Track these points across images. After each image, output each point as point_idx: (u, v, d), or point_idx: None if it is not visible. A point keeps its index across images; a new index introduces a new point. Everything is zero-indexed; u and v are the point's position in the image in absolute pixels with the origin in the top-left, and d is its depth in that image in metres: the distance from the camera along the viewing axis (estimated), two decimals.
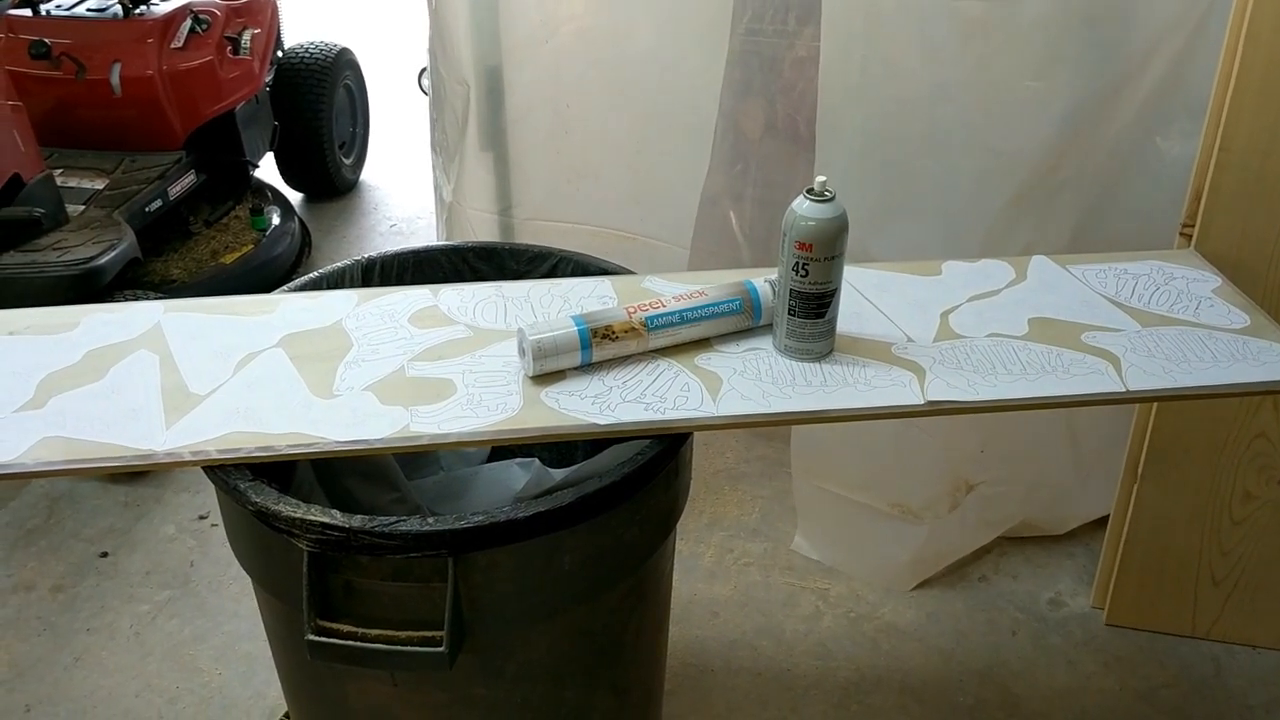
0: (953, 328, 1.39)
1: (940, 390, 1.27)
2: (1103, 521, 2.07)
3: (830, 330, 1.33)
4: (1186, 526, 1.90)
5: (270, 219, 3.21)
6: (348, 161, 3.85)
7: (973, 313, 1.43)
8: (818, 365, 1.32)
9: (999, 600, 2.11)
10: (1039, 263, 1.55)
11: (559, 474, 1.57)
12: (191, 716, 1.89)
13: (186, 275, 2.91)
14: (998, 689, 1.92)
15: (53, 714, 1.89)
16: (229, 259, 3.01)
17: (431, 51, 2.28)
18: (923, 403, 1.26)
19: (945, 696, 1.91)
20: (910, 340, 1.37)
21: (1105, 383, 1.29)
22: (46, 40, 2.82)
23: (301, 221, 3.45)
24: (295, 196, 3.75)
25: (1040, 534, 2.22)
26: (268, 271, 3.07)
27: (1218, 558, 1.92)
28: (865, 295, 1.46)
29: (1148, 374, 1.30)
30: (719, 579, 2.16)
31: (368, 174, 4.03)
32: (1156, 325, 1.40)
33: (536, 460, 1.62)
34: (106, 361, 1.32)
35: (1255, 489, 1.84)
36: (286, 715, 1.83)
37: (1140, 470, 1.88)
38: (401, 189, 3.94)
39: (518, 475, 1.63)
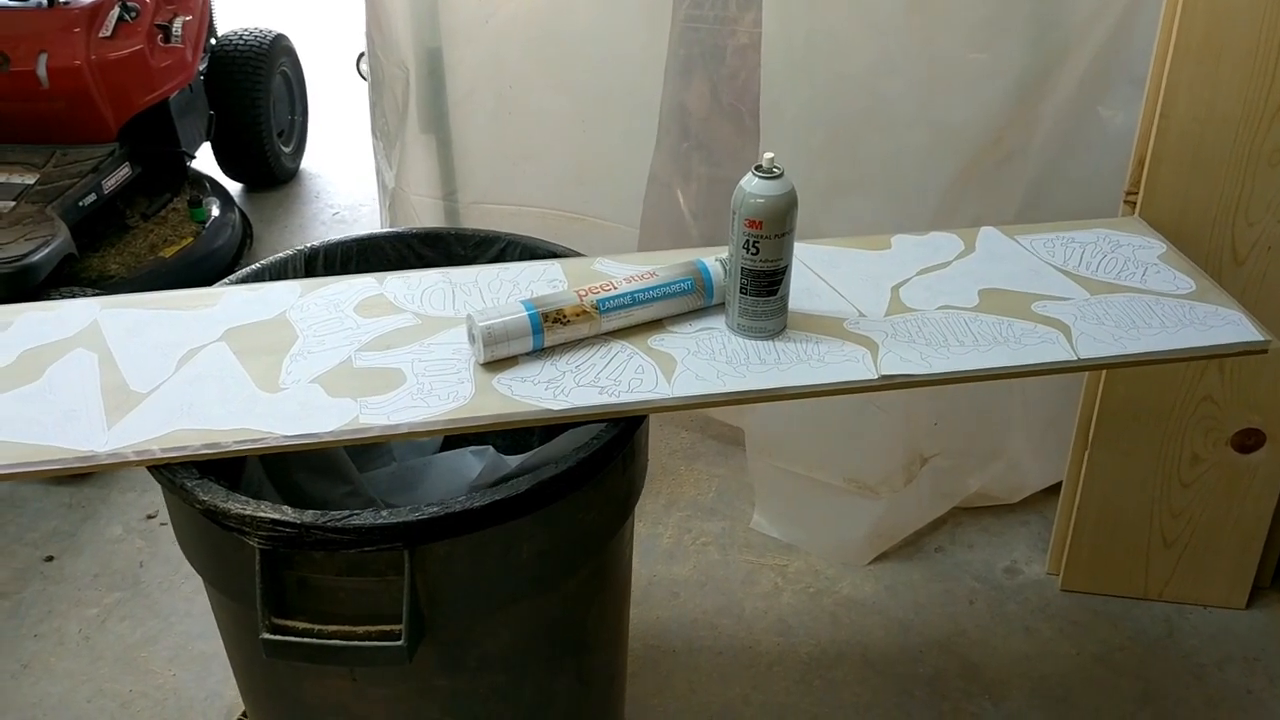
0: (904, 301, 1.39)
1: (893, 364, 1.27)
2: (1056, 489, 2.10)
3: (783, 308, 1.32)
4: (1137, 490, 1.92)
5: (209, 210, 3.15)
6: (287, 150, 3.78)
7: (923, 286, 1.43)
8: (771, 343, 1.31)
9: (956, 570, 2.13)
10: (987, 234, 1.55)
11: (514, 460, 1.55)
12: (148, 719, 1.86)
13: (125, 270, 2.84)
14: (957, 658, 1.94)
15: None
16: (168, 253, 2.95)
17: (369, 35, 2.24)
18: (876, 377, 1.25)
19: (905, 667, 1.92)
20: (862, 315, 1.36)
21: (1056, 352, 1.29)
22: None
23: (242, 212, 3.39)
24: (234, 187, 3.68)
25: (995, 503, 2.24)
26: (209, 264, 3.00)
27: (1168, 520, 1.94)
28: (816, 271, 1.45)
29: (1097, 341, 1.31)
30: (678, 559, 2.16)
31: (308, 162, 3.96)
32: (1104, 293, 1.41)
33: (491, 448, 1.61)
34: (43, 361, 1.28)
35: (1203, 451, 1.87)
36: (244, 715, 1.81)
37: (1091, 437, 1.90)
38: (343, 176, 3.88)
39: (472, 464, 1.61)
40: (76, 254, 2.56)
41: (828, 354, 1.29)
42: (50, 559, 2.19)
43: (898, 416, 2.01)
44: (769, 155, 1.25)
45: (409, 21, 2.09)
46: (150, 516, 2.29)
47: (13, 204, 2.62)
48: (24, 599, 2.09)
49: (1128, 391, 1.84)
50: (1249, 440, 1.84)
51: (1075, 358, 1.29)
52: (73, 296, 2.26)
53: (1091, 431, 1.89)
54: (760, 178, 1.25)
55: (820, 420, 2.03)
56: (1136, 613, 2.02)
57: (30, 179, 2.73)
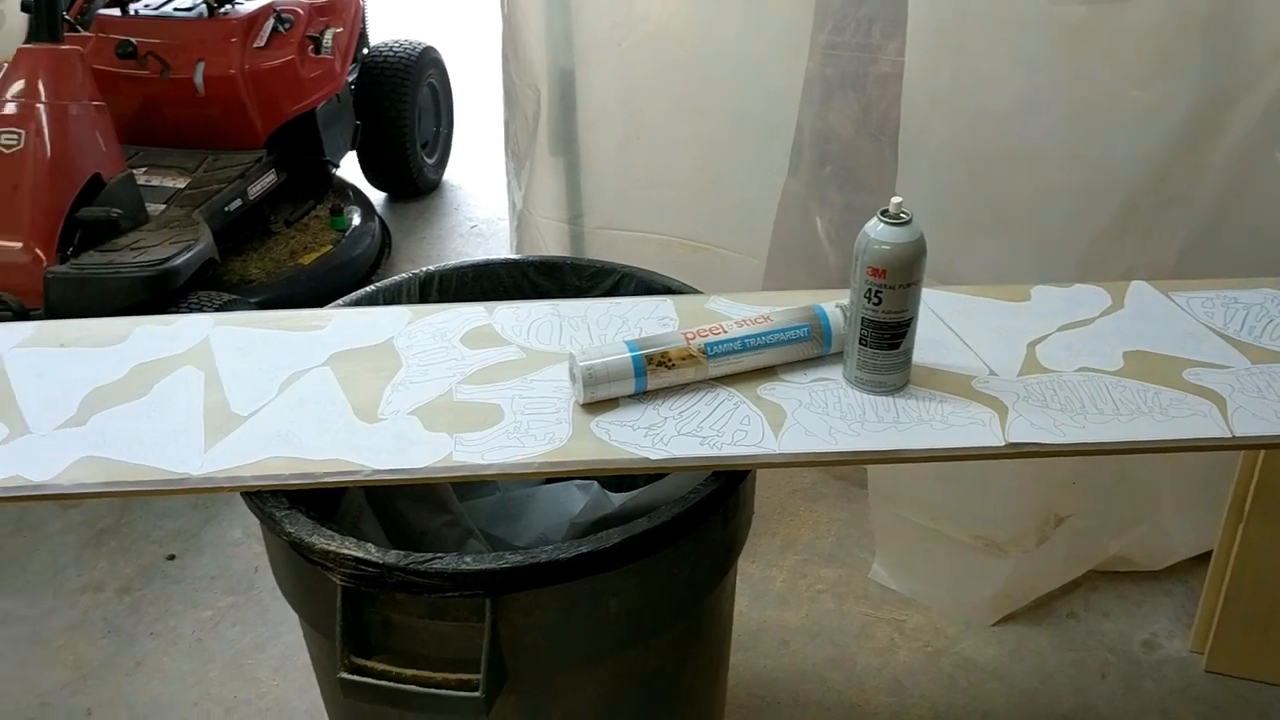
0: (1040, 360, 1.29)
1: (1023, 431, 1.17)
2: (1205, 558, 1.94)
3: (905, 362, 1.23)
4: None
5: (350, 219, 3.21)
6: (430, 161, 3.83)
7: (1063, 344, 1.32)
8: (891, 399, 1.22)
9: (1088, 639, 1.98)
10: (1138, 289, 1.43)
11: (619, 499, 1.51)
12: None
13: (265, 275, 2.91)
14: None
15: (113, 718, 1.89)
16: (308, 259, 3.01)
17: (504, 54, 2.23)
18: (1003, 444, 1.16)
19: None
20: (993, 373, 1.26)
21: (1208, 427, 1.17)
22: (133, 40, 2.84)
23: (382, 222, 3.44)
24: (377, 196, 3.75)
25: (1135, 570, 2.08)
26: (347, 272, 3.06)
27: None
28: (946, 322, 1.36)
29: (1257, 418, 1.18)
30: (790, 605, 2.07)
31: (450, 174, 4.01)
32: (1268, 362, 1.28)
33: (596, 483, 1.56)
34: (152, 377, 1.29)
35: None
36: None
37: (1246, 510, 1.74)
38: (484, 190, 3.91)
39: (576, 498, 1.56)
40: (218, 259, 2.62)
41: (952, 415, 1.20)
42: (172, 558, 2.24)
43: (1032, 473, 1.88)
44: (897, 200, 1.17)
45: (543, 42, 2.07)
46: None
47: (163, 207, 2.71)
48: (145, 596, 2.14)
49: None
50: None
51: (1229, 435, 1.17)
52: (210, 300, 2.34)
53: (1247, 505, 1.73)
54: (886, 223, 1.17)
55: (949, 471, 1.92)
56: None
57: (181, 183, 2.83)
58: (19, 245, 2.35)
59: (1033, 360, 1.29)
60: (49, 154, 2.38)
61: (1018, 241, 1.74)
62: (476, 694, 1.08)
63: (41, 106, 2.41)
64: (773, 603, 2.08)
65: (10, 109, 2.40)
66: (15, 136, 2.36)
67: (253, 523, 2.29)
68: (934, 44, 1.68)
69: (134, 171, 2.67)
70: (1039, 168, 1.69)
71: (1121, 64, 1.61)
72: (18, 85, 2.44)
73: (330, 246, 3.08)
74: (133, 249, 2.42)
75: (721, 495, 1.16)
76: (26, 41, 2.56)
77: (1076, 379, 1.25)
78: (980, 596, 2.00)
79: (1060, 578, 2.05)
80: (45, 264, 2.33)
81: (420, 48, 3.62)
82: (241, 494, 1.17)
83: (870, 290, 1.18)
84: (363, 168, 3.69)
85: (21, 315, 2.24)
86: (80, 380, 1.28)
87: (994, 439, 1.16)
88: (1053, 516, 1.95)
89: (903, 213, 1.17)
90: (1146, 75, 1.61)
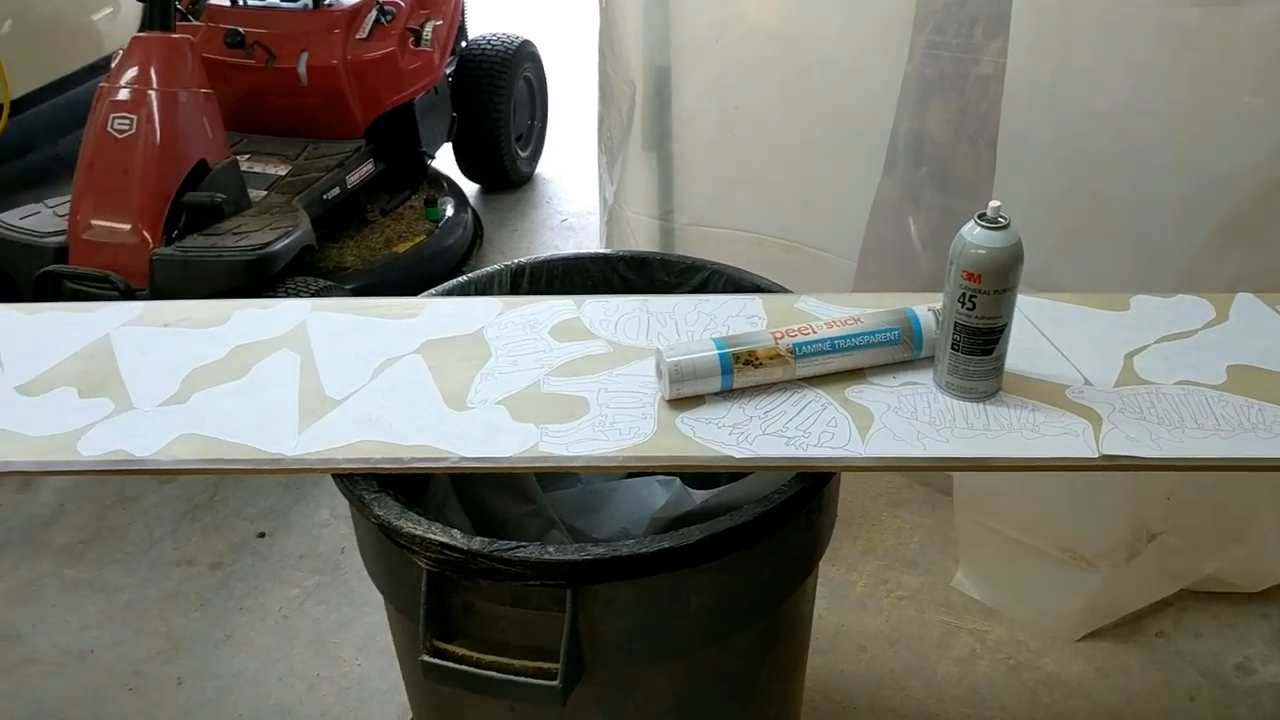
0: (1137, 372, 1.25)
1: (1118, 443, 1.14)
2: None
3: (998, 368, 1.21)
4: None
5: (444, 210, 3.25)
6: (524, 154, 3.87)
7: (1162, 355, 1.28)
8: (982, 406, 1.20)
9: (1178, 660, 1.93)
10: (1244, 301, 1.39)
11: (700, 495, 1.51)
12: (330, 705, 1.91)
13: (359, 263, 2.97)
14: None
15: (201, 689, 1.95)
16: (401, 248, 3.06)
17: (601, 50, 2.24)
18: (1096, 456, 1.13)
19: None
20: (1088, 383, 1.24)
21: None
22: (241, 30, 2.91)
23: (475, 213, 3.48)
24: (471, 188, 3.79)
25: (1231, 590, 2.02)
26: (439, 262, 3.10)
27: None
28: (1040, 329, 1.33)
29: None
30: (870, 611, 2.05)
31: (543, 167, 4.04)
32: None
33: (678, 480, 1.56)
34: (250, 359, 1.33)
35: None
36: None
37: None
38: (575, 184, 3.94)
39: (658, 493, 1.56)
40: (315, 245, 2.68)
41: (1044, 424, 1.17)
42: (262, 535, 2.30)
43: (1125, 486, 1.84)
44: (995, 204, 1.15)
45: (640, 38, 2.08)
46: None
47: (264, 193, 2.78)
48: (235, 571, 2.20)
49: None
50: None
51: None
52: (307, 285, 2.39)
53: None
54: (983, 227, 1.15)
55: (1038, 481, 1.89)
56: None
57: (282, 170, 2.89)
58: (128, 227, 2.43)
59: (1130, 371, 1.26)
60: (159, 139, 2.45)
61: (1118, 249, 1.70)
62: (554, 683, 1.09)
63: (153, 93, 2.48)
64: (852, 607, 2.06)
65: (124, 95, 2.48)
66: (128, 122, 2.44)
67: (340, 504, 2.35)
68: (1038, 45, 1.64)
69: (238, 158, 2.74)
70: (1144, 174, 1.65)
71: (1234, 68, 1.56)
72: (131, 72, 2.51)
73: (424, 236, 3.13)
74: (234, 233, 2.48)
75: (805, 496, 1.16)
76: (140, 30, 2.64)
77: (1176, 392, 1.22)
78: (1066, 611, 1.96)
79: (1150, 595, 1.99)
80: (151, 246, 2.41)
81: (517, 41, 3.66)
82: (333, 476, 1.19)
83: (964, 295, 1.16)
84: (457, 159, 3.73)
85: (128, 295, 2.31)
86: (182, 359, 1.32)
87: (1087, 450, 1.14)
88: (1145, 532, 1.90)
89: (1000, 217, 1.15)
90: (1260, 80, 1.56)
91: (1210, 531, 1.94)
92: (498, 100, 3.54)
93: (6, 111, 3.48)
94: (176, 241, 2.44)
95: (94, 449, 1.17)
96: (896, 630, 2.01)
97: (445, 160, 3.66)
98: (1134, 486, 1.84)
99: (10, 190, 3.57)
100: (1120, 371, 1.26)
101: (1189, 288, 1.43)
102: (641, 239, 2.25)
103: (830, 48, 1.93)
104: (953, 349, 1.20)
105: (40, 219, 2.53)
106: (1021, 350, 1.27)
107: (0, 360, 1.34)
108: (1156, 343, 1.31)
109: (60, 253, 2.42)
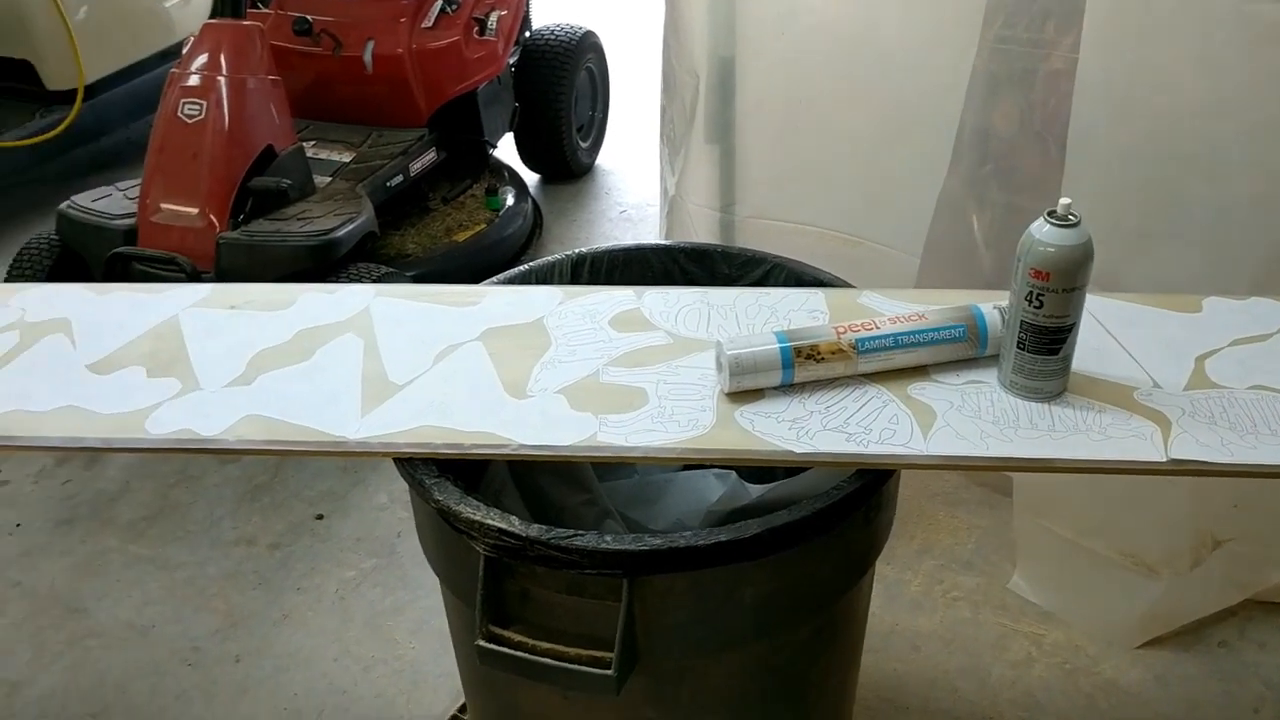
0: (1209, 375, 1.23)
1: (1187, 448, 1.12)
2: None
3: (1065, 368, 1.19)
4: None
5: (505, 199, 3.27)
6: (585, 145, 3.87)
7: (1235, 359, 1.25)
8: (1047, 406, 1.19)
9: (1241, 671, 1.89)
10: None
11: (756, 490, 1.50)
12: (384, 687, 1.93)
13: (420, 251, 2.99)
14: None
15: (259, 667, 1.98)
16: (461, 237, 3.08)
17: (665, 40, 2.24)
18: (1165, 460, 1.11)
19: None
20: (1157, 386, 1.21)
21: None
22: (309, 17, 2.95)
23: (535, 203, 3.50)
24: (531, 177, 3.81)
25: None
26: (498, 251, 3.12)
27: None
28: (1109, 330, 1.31)
29: None
30: (924, 611, 2.04)
31: (603, 158, 4.04)
32: None
33: (734, 473, 1.56)
34: (315, 342, 1.34)
35: None
36: (464, 706, 1.85)
37: None
38: (635, 175, 3.93)
39: (713, 486, 1.56)
40: (378, 232, 2.71)
41: (1111, 426, 1.15)
42: (320, 517, 2.33)
43: (1190, 492, 1.80)
44: (1065, 201, 1.13)
45: (705, 29, 2.07)
46: None
47: (329, 179, 2.81)
48: (294, 552, 2.23)
49: None
50: None
51: None
52: (369, 272, 2.41)
53: None
54: (1053, 224, 1.13)
55: (1100, 485, 1.85)
56: None
57: (347, 157, 2.92)
58: (195, 211, 2.47)
59: (1201, 374, 1.23)
60: (227, 125, 2.49)
61: (1190, 250, 1.66)
62: (609, 672, 1.09)
63: (222, 79, 2.52)
64: (906, 606, 2.04)
65: (194, 81, 2.52)
66: (198, 107, 2.48)
67: (397, 489, 2.37)
68: (1112, 41, 1.61)
69: (303, 145, 2.77)
70: (1218, 173, 1.61)
71: None
72: (201, 58, 2.55)
73: (484, 225, 3.14)
74: (299, 219, 2.51)
75: (865, 493, 1.15)
76: (211, 17, 2.68)
77: (1249, 397, 1.19)
78: (1126, 617, 1.92)
79: (1214, 604, 1.95)
80: (218, 229, 2.45)
81: (580, 32, 3.66)
82: (394, 460, 1.20)
83: (1032, 293, 1.14)
84: (519, 149, 3.75)
85: (193, 277, 2.35)
86: (248, 341, 1.35)
87: (1155, 454, 1.11)
88: (1210, 539, 1.86)
89: (1071, 214, 1.13)
90: None
91: (1277, 541, 1.90)
92: (560, 90, 3.55)
93: (81, 96, 3.55)
94: (242, 226, 2.48)
95: (162, 428, 1.19)
96: (951, 631, 1.99)
97: (506, 150, 3.67)
98: (1199, 492, 1.80)
99: (83, 173, 3.65)
100: (1190, 374, 1.23)
101: (1264, 291, 1.40)
102: (702, 231, 2.24)
103: (897, 41, 1.91)
104: (1018, 348, 1.18)
105: (111, 202, 2.58)
106: (1088, 351, 1.25)
107: (73, 338, 1.37)
108: (1229, 346, 1.28)
109: (130, 235, 2.47)
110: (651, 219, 3.62)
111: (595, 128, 3.97)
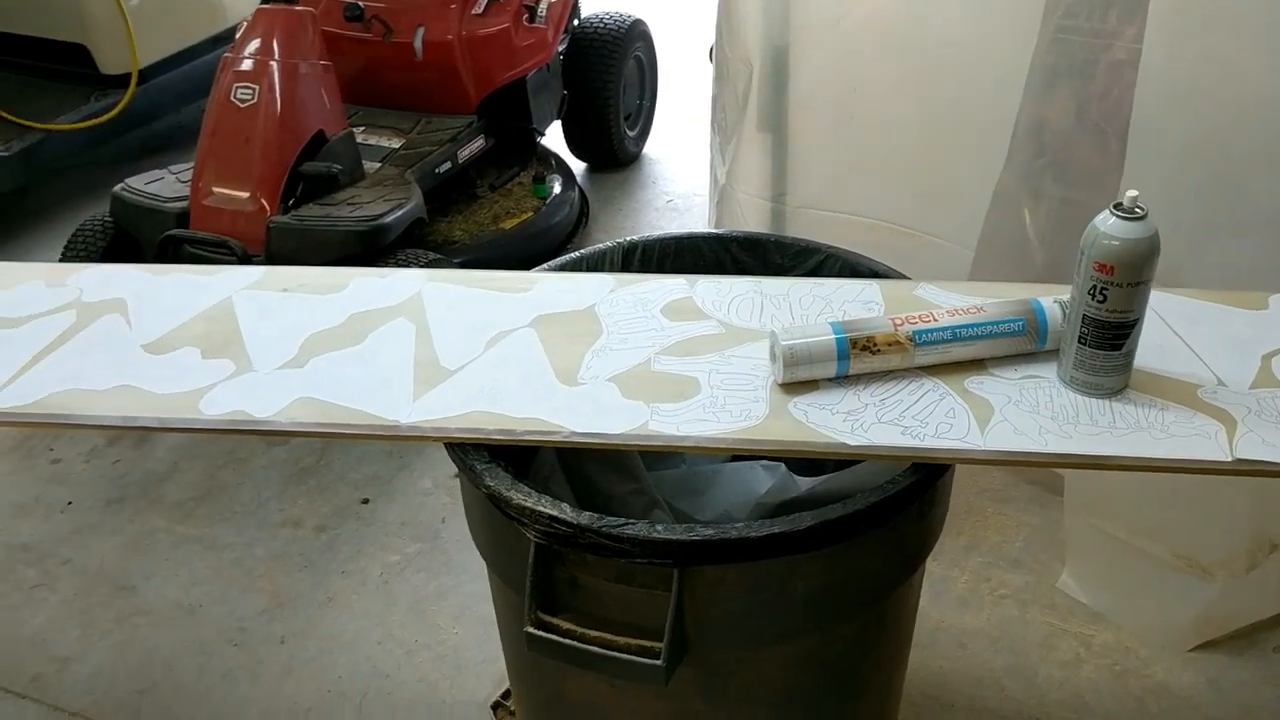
0: (1276, 374, 1.20)
1: (1253, 447, 1.09)
2: None
3: (1127, 364, 1.17)
4: None
5: (552, 187, 3.26)
6: (632, 134, 3.86)
7: None
8: (1108, 403, 1.16)
9: None
10: None
11: (805, 483, 1.49)
12: (427, 672, 1.94)
13: (467, 238, 2.99)
14: None
15: (304, 648, 1.99)
16: (508, 224, 3.08)
17: (718, 28, 2.22)
18: (1230, 460, 1.08)
19: None
20: (1221, 384, 1.19)
21: None
22: (360, 4, 2.95)
23: (582, 191, 3.49)
24: (578, 166, 3.80)
25: None
26: (545, 239, 3.11)
27: None
28: (1172, 326, 1.28)
29: None
30: (971, 608, 2.01)
31: (650, 148, 4.02)
32: None
33: (783, 465, 1.54)
34: (367, 326, 1.35)
35: None
36: (507, 692, 1.85)
37: None
38: (682, 165, 3.91)
39: (762, 478, 1.55)
40: (426, 218, 2.71)
41: (1173, 424, 1.13)
42: (366, 501, 2.34)
43: (1250, 493, 1.76)
44: (1132, 193, 1.11)
45: (759, 17, 2.05)
46: (458, 476, 2.39)
47: (379, 165, 2.82)
48: (339, 535, 2.25)
49: None
50: None
51: None
52: (417, 258, 2.42)
53: None
54: (1119, 217, 1.11)
55: (1155, 484, 1.82)
56: None
57: (396, 143, 2.93)
58: (246, 194, 2.48)
59: (1268, 373, 1.20)
60: (279, 110, 2.50)
61: (1257, 246, 1.62)
62: (658, 662, 1.08)
63: (274, 64, 2.53)
64: (953, 603, 2.02)
65: (247, 65, 2.54)
66: (250, 91, 2.50)
67: (442, 474, 2.38)
68: (1177, 31, 1.58)
69: (354, 130, 2.78)
70: None
71: None
72: (254, 43, 2.57)
73: (531, 213, 3.14)
74: (349, 204, 2.52)
75: (920, 488, 1.13)
76: (264, 2, 2.69)
77: None
78: (1179, 619, 1.89)
79: (1270, 608, 1.91)
80: (269, 213, 2.46)
81: (629, 21, 3.64)
82: (445, 445, 1.20)
83: (1095, 287, 1.12)
84: (566, 137, 3.74)
85: (244, 260, 2.37)
86: (300, 324, 1.35)
87: (1220, 453, 1.09)
88: (1268, 542, 1.82)
89: (1138, 207, 1.11)
90: None
91: None
92: (608, 79, 3.54)
93: (135, 81, 3.58)
94: (293, 210, 2.49)
95: (215, 408, 1.20)
96: (998, 629, 1.97)
97: (554, 138, 3.67)
98: (1259, 494, 1.76)
99: (136, 157, 3.69)
100: (1257, 373, 1.20)
101: None
102: (752, 220, 2.22)
103: (955, 31, 1.88)
104: (1080, 343, 1.16)
105: (164, 184, 2.61)
106: (1150, 347, 1.22)
107: (129, 319, 1.38)
108: None
109: (182, 217, 2.49)
110: (698, 209, 3.60)
111: (643, 116, 3.95)
